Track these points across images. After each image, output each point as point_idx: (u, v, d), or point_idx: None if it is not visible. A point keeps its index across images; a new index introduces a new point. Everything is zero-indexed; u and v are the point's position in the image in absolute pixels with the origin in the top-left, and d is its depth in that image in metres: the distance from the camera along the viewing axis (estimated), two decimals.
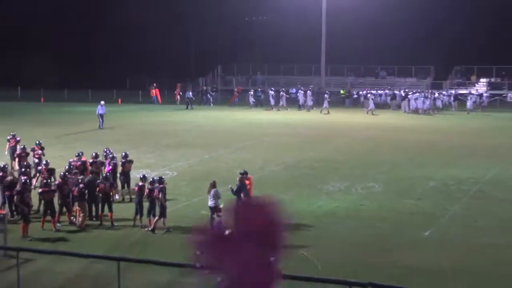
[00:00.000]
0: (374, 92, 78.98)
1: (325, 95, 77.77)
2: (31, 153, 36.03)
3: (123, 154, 34.60)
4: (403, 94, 77.57)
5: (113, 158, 33.98)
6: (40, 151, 36.23)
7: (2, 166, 31.68)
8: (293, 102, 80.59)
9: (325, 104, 75.77)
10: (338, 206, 31.80)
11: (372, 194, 34.36)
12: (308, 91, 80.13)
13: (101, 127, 58.24)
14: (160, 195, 27.39)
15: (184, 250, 22.22)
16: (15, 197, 27.77)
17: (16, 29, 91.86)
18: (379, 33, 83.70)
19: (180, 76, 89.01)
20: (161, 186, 27.70)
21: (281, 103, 78.68)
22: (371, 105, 74.84)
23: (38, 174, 32.47)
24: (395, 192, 34.55)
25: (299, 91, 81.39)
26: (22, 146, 36.55)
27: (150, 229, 27.56)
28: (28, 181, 28.75)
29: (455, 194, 34.09)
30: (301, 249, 24.99)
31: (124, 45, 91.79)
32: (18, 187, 27.75)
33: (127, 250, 24.70)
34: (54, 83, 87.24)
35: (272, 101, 78.84)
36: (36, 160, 34.51)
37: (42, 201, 28.47)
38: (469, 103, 76.27)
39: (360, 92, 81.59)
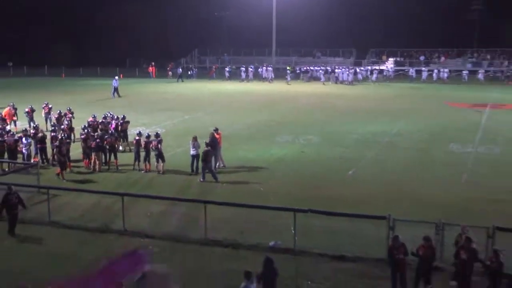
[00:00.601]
0: (323, 68, 78.84)
1: (287, 71, 78.04)
2: (64, 117, 35.84)
3: (122, 116, 34.76)
4: (332, 69, 77.85)
5: (117, 118, 34.17)
6: (70, 115, 36.14)
7: (35, 125, 32.23)
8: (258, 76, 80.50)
9: (288, 78, 76.09)
10: (285, 153, 32.13)
11: (311, 144, 34.69)
12: (270, 68, 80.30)
13: (113, 96, 57.81)
14: (159, 145, 27.81)
15: (172, 187, 22.34)
16: (54, 149, 28.17)
17: (45, 19, 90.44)
18: (315, 24, 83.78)
19: (165, 57, 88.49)
20: (159, 139, 28.11)
21: (249, 76, 78.60)
22: (322, 78, 75.22)
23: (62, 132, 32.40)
24: (328, 143, 34.90)
25: (263, 67, 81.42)
26: (58, 111, 36.37)
27: (146, 171, 27.93)
28: (63, 137, 28.76)
29: (371, 144, 34.52)
30: (258, 185, 25.44)
31: (123, 33, 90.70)
32: (57, 143, 27.94)
33: (129, 187, 24.89)
34: (72, 62, 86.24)
35: (243, 75, 78.73)
36: (67, 122, 34.39)
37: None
38: (374, 76, 77.31)
39: (302, 68, 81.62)
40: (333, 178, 26.86)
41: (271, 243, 18.77)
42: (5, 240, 19.45)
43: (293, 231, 18.42)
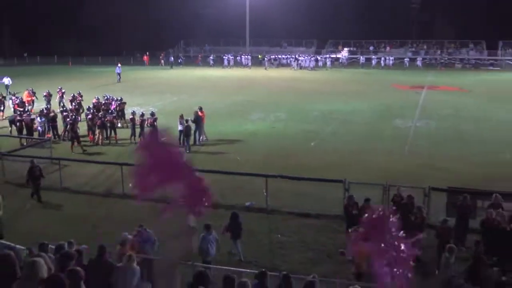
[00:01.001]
0: (296, 57, 78.29)
1: (265, 58, 77.66)
2: (75, 99, 35.33)
3: (119, 98, 34.55)
4: (296, 57, 77.64)
5: (116, 100, 34.00)
6: (80, 98, 35.68)
7: (47, 106, 32.14)
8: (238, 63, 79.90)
9: (266, 64, 75.61)
10: (258, 129, 32.07)
11: (280, 120, 34.64)
12: (248, 56, 79.88)
13: (119, 81, 56.95)
14: (155, 123, 27.72)
15: None
16: (68, 126, 27.94)
17: (54, 15, 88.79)
18: (283, 18, 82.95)
19: (156, 48, 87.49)
20: (154, 117, 28.22)
21: (231, 63, 78.03)
22: (297, 65, 74.90)
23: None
24: (294, 119, 34.87)
25: (243, 55, 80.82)
26: (72, 94, 35.87)
27: None
28: (75, 117, 28.78)
29: (329, 120, 34.56)
30: (235, 155, 25.40)
31: (120, 27, 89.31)
32: (70, 120, 27.81)
33: (127, 158, 24.69)
34: (77, 52, 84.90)
35: (226, 62, 78.16)
36: (75, 104, 34.20)
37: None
38: (328, 63, 77.70)
39: (271, 56, 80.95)
40: (298, 149, 26.91)
41: (247, 204, 18.82)
42: (27, 204, 19.34)
43: (265, 193, 18.50)
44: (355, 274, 12.90)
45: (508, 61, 75.88)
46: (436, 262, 14.29)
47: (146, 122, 28.10)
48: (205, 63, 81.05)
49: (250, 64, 78.06)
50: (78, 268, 7.58)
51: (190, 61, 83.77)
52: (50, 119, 29.59)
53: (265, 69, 73.77)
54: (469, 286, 11.19)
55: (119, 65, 58.83)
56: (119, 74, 57.51)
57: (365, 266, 13.08)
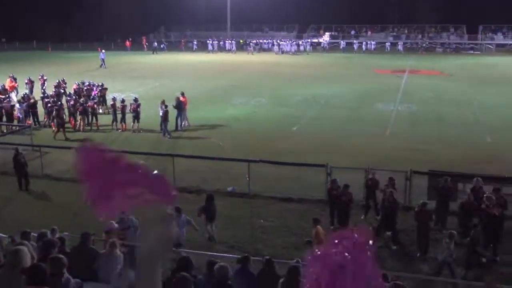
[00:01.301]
0: (278, 41, 77.97)
1: (250, 43, 77.28)
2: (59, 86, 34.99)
3: (101, 83, 34.22)
4: (278, 42, 77.46)
5: (97, 85, 33.70)
6: (64, 84, 35.33)
7: (27, 93, 31.90)
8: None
9: (251, 49, 75.24)
10: (240, 113, 32.01)
11: (261, 105, 34.61)
12: (233, 40, 79.48)
13: (103, 67, 56.14)
14: (138, 109, 27.56)
15: (145, 144, 22.15)
16: (54, 112, 27.57)
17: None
18: (264, 3, 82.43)
19: (137, 33, 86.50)
20: (137, 103, 27.89)
21: (214, 48, 77.52)
22: (278, 50, 74.67)
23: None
24: (275, 103, 34.85)
25: (227, 40, 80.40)
26: (57, 81, 35.45)
27: (123, 130, 27.65)
28: (61, 103, 28.60)
29: (311, 104, 34.60)
30: (217, 140, 25.37)
31: (100, 12, 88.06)
32: (56, 107, 27.52)
33: (108, 144, 24.50)
34: (56, 38, 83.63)
35: (210, 47, 77.65)
36: (62, 90, 33.96)
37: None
38: (308, 47, 77.75)
39: (253, 41, 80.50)
40: (280, 133, 26.93)
41: (229, 189, 18.84)
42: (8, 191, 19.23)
43: (247, 178, 18.53)
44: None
45: (488, 45, 76.45)
46: (416, 244, 14.50)
47: (129, 108, 27.97)
48: (188, 48, 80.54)
49: (234, 49, 77.72)
50: (61, 256, 7.56)
51: (173, 46, 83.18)
52: (30, 106, 29.31)
53: (252, 54, 73.44)
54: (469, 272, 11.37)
55: (103, 51, 58.19)
56: (103, 60, 56.86)
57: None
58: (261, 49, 78.58)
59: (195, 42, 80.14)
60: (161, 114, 26.86)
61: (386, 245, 14.75)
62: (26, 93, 31.73)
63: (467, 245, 13.02)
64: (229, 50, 77.50)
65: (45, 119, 29.28)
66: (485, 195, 14.36)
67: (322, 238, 12.69)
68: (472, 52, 74.69)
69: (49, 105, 28.81)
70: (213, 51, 76.77)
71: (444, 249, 12.61)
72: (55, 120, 27.59)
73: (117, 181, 2.09)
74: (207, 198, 15.03)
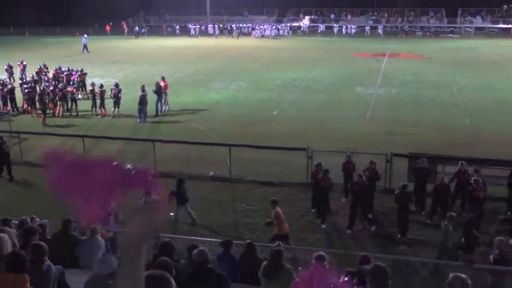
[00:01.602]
0: (259, 25, 77.55)
1: (233, 27, 76.80)
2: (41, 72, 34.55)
3: (80, 68, 33.85)
4: (257, 26, 77.15)
5: (76, 71, 33.32)
6: (46, 69, 34.88)
7: (3, 79, 31.26)
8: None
9: (235, 34, 74.82)
10: (221, 97, 31.93)
11: (242, 89, 34.54)
12: (216, 25, 78.93)
13: (84, 52, 55.30)
14: (119, 94, 27.37)
15: (125, 129, 21.99)
16: (36, 98, 27.37)
17: None
18: None
19: (114, 18, 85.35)
20: (118, 88, 27.63)
21: (196, 33, 76.86)
22: (258, 34, 74.28)
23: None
24: (255, 87, 34.81)
25: (209, 24, 79.77)
26: (38, 66, 35.07)
27: (103, 116, 27.46)
28: (43, 88, 28.27)
29: (292, 88, 34.62)
30: (198, 124, 25.28)
31: None
32: (39, 92, 27.40)
33: (88, 130, 24.36)
34: (34, 22, 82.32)
35: (192, 32, 77.01)
36: (43, 76, 33.56)
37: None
38: (286, 31, 77.08)
39: (233, 25, 79.88)
40: (261, 117, 26.93)
41: (211, 173, 18.85)
42: None
43: (229, 163, 18.54)
44: (275, 235, 13.26)
45: (467, 29, 76.91)
46: (396, 226, 14.66)
47: (110, 93, 27.72)
48: (170, 33, 79.85)
49: (218, 33, 77.27)
50: (42, 243, 7.50)
51: (153, 31, 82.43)
52: (7, 92, 28.87)
53: (236, 38, 73.04)
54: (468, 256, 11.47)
55: (85, 35, 57.40)
56: (85, 45, 56.15)
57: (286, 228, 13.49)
58: (240, 33, 78.23)
59: (177, 27, 79.48)
60: (141, 96, 26.67)
61: (364, 228, 14.96)
62: (2, 79, 31.19)
63: (464, 227, 13.13)
64: (212, 35, 77.04)
65: (24, 105, 28.91)
66: (473, 178, 14.53)
67: (281, 219, 13.26)
68: (451, 35, 75.10)
69: (26, 91, 28.46)
70: (195, 35, 76.22)
71: (442, 232, 12.67)
72: (37, 105, 27.30)
73: (94, 185, 2.03)
74: (178, 182, 15.08)
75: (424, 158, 16.08)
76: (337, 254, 12.15)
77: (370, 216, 15.42)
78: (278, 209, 13.44)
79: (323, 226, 15.15)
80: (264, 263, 8.97)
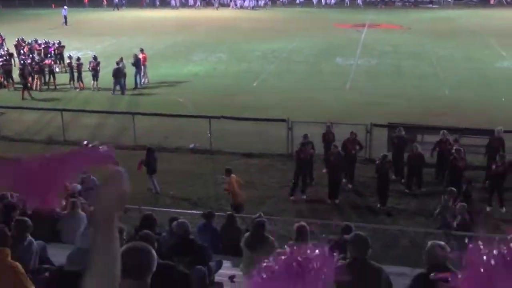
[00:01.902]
0: None
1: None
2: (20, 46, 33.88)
3: (58, 41, 33.34)
4: None
5: (54, 44, 32.85)
6: (23, 43, 34.19)
7: None
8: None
9: (216, 5, 73.87)
10: (200, 69, 31.70)
11: (221, 61, 34.30)
12: None
13: (65, 24, 54.23)
14: (98, 67, 27.06)
15: (104, 102, 21.80)
16: (18, 72, 26.82)
17: None
18: None
19: None
20: (97, 61, 27.35)
21: (177, 4, 75.77)
22: (237, 4, 73.59)
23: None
24: (235, 59, 34.56)
25: None
26: (16, 39, 34.42)
27: (81, 89, 27.21)
28: (23, 62, 27.81)
29: (271, 59, 34.46)
30: (177, 97, 25.14)
31: None
32: (20, 66, 27.01)
33: (67, 104, 24.11)
34: None
35: (173, 3, 75.79)
36: (22, 49, 32.81)
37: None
38: (263, 2, 76.03)
39: None
40: (241, 89, 26.86)
41: (191, 145, 18.85)
42: None
43: (209, 135, 18.57)
44: (232, 206, 13.61)
45: None
46: (377, 195, 14.87)
47: (89, 66, 27.45)
48: (149, 4, 78.66)
49: (199, 4, 76.34)
50: (26, 218, 7.49)
51: (132, 2, 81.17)
52: None
53: (216, 9, 72.32)
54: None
55: (65, 7, 56.18)
56: (65, 16, 55.09)
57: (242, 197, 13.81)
58: (219, 4, 77.37)
59: None
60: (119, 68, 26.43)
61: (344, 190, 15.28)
62: None
63: (462, 200, 13.21)
64: (192, 6, 76.06)
65: (0, 79, 28.43)
66: (454, 148, 14.67)
67: (234, 188, 13.71)
68: (430, 6, 75.05)
69: (0, 64, 27.99)
70: (176, 7, 75.21)
71: (441, 204, 12.77)
72: (19, 79, 26.81)
73: (47, 175, 1.98)
74: (147, 151, 15.13)
75: (401, 127, 16.24)
76: (320, 224, 12.29)
77: (350, 186, 15.66)
78: (233, 176, 13.79)
79: (304, 197, 15.28)
80: (246, 234, 9.05)
